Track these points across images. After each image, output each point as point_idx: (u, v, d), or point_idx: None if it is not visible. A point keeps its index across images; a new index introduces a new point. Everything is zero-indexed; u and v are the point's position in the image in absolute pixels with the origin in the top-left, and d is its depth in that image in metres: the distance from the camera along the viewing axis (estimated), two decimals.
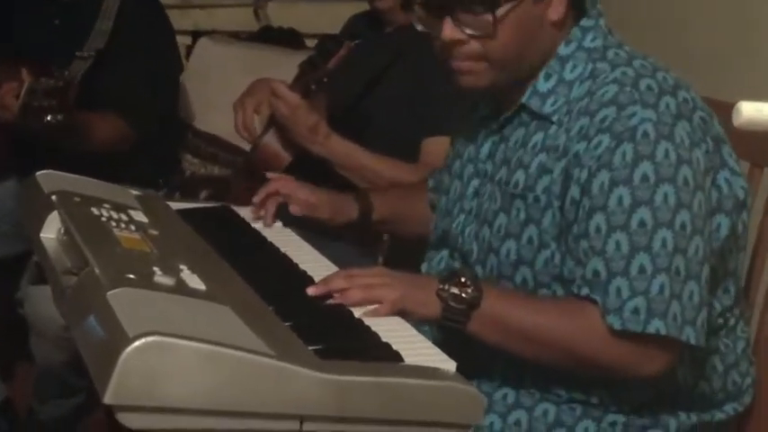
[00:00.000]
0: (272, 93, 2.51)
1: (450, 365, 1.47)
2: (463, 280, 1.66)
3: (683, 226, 1.61)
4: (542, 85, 1.76)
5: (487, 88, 1.81)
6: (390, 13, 2.71)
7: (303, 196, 2.12)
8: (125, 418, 1.24)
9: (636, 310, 1.59)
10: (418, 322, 1.65)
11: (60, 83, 2.60)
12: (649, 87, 1.66)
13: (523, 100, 1.77)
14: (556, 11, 1.73)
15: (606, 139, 1.63)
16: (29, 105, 2.61)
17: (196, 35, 3.89)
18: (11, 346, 3.17)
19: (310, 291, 1.65)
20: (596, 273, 1.62)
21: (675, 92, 1.67)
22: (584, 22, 1.77)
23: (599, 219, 1.62)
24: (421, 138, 2.57)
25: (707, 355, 1.77)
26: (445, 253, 1.94)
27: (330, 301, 1.63)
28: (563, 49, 1.76)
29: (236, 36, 4.00)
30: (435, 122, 2.54)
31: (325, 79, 2.48)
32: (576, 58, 1.75)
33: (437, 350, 1.52)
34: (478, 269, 1.82)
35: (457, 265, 1.90)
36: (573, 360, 1.66)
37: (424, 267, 1.98)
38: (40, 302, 2.67)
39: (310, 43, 3.89)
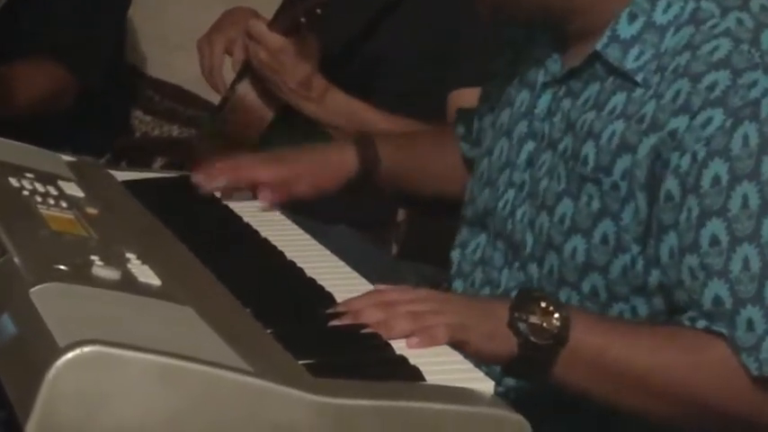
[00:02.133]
0: (248, 33, 2.52)
1: (487, 385, 1.46)
2: (545, 305, 1.60)
3: None
4: (625, 28, 1.74)
5: (513, 22, 1.87)
6: None
7: (267, 176, 2.07)
8: None
9: None
10: (483, 363, 1.59)
11: None
12: None
13: (598, 47, 1.75)
14: None
15: (719, 116, 1.61)
16: None
17: None
18: None
19: (338, 324, 1.57)
20: (718, 300, 1.60)
21: None
22: None
23: (716, 226, 1.60)
24: (447, 89, 2.57)
25: None
26: (483, 238, 1.93)
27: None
28: None
29: None
30: (466, 69, 2.54)
31: (319, 10, 2.48)
32: None
33: (470, 366, 1.52)
34: (533, 269, 1.82)
35: (503, 259, 1.88)
36: (701, 412, 1.63)
37: (455, 254, 1.97)
38: None
39: None
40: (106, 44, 3.19)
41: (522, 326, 1.59)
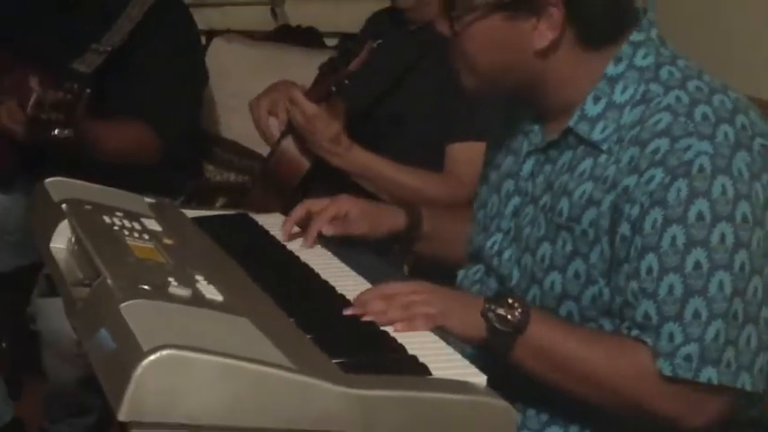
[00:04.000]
0: (289, 99, 2.52)
1: (480, 379, 1.47)
2: (511, 302, 1.63)
3: (741, 267, 1.58)
4: (591, 108, 1.72)
5: (475, 94, 1.84)
6: (413, 10, 2.72)
7: (334, 210, 2.03)
8: None
9: (688, 357, 1.57)
10: (458, 342, 1.63)
11: (69, 96, 2.57)
12: (705, 116, 1.62)
13: (571, 124, 1.74)
14: (541, 39, 1.70)
15: (659, 174, 1.60)
16: (36, 118, 2.58)
17: (210, 35, 3.91)
18: (22, 362, 3.20)
19: (347, 312, 1.63)
20: (647, 316, 1.60)
21: (733, 118, 1.63)
22: (635, 36, 1.73)
23: (651, 259, 1.60)
24: (445, 143, 2.57)
25: None
26: (482, 266, 1.92)
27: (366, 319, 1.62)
28: (612, 69, 1.72)
29: (251, 36, 4.00)
30: (462, 127, 2.54)
31: (347, 82, 2.49)
32: (626, 78, 1.71)
33: (467, 363, 1.52)
34: None
35: (492, 282, 1.88)
36: (618, 402, 1.63)
37: (460, 276, 1.97)
38: (51, 316, 2.68)
39: (330, 42, 3.90)
40: (187, 111, 3.16)
41: (491, 315, 1.62)
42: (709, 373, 1.57)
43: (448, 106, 2.57)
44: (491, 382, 1.47)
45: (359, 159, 2.54)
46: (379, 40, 2.60)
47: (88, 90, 2.66)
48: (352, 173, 2.55)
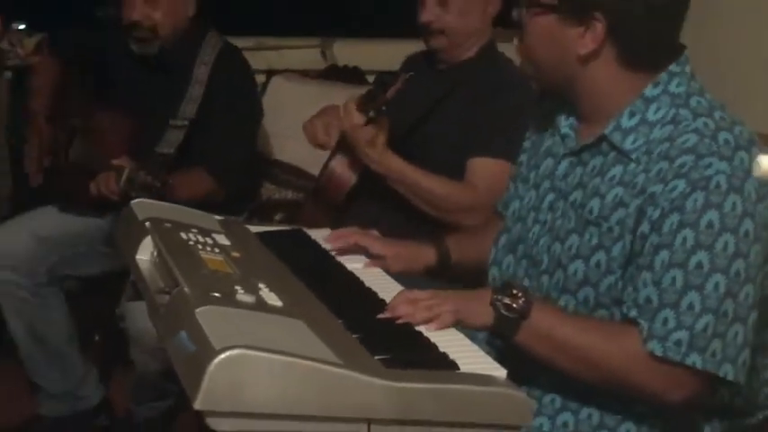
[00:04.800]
0: (344, 107, 2.53)
1: (501, 372, 1.47)
2: (515, 291, 1.65)
3: (737, 273, 1.58)
4: (626, 121, 1.72)
5: (532, 79, 1.84)
6: (443, 51, 2.72)
7: (377, 251, 2.03)
8: (213, 423, 1.26)
9: (678, 342, 1.58)
10: (473, 331, 1.65)
11: (157, 184, 2.60)
12: (727, 141, 1.62)
13: (606, 132, 1.73)
14: (585, 46, 1.69)
15: (682, 185, 1.60)
16: (127, 192, 2.61)
17: (270, 74, 3.92)
18: (113, 354, 3.22)
19: (382, 317, 1.64)
20: (649, 300, 1.61)
21: (750, 147, 1.64)
22: (673, 67, 1.71)
23: (663, 255, 1.60)
24: (466, 158, 2.58)
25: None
26: (512, 258, 1.91)
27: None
28: (649, 91, 1.71)
29: (305, 74, 4.02)
30: (481, 145, 2.55)
31: (384, 108, 2.49)
32: (660, 101, 1.70)
33: (489, 359, 1.52)
34: (545, 279, 1.80)
35: (524, 272, 1.87)
36: (608, 378, 1.64)
37: (493, 271, 1.95)
38: (137, 317, 2.69)
39: (371, 79, 3.92)
40: (244, 154, 3.11)
41: (498, 304, 1.65)
42: (694, 359, 1.58)
43: (468, 132, 2.57)
44: (511, 375, 1.47)
45: (394, 165, 2.53)
46: (411, 73, 2.60)
47: (171, 181, 2.67)
48: (388, 178, 2.54)
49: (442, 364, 1.49)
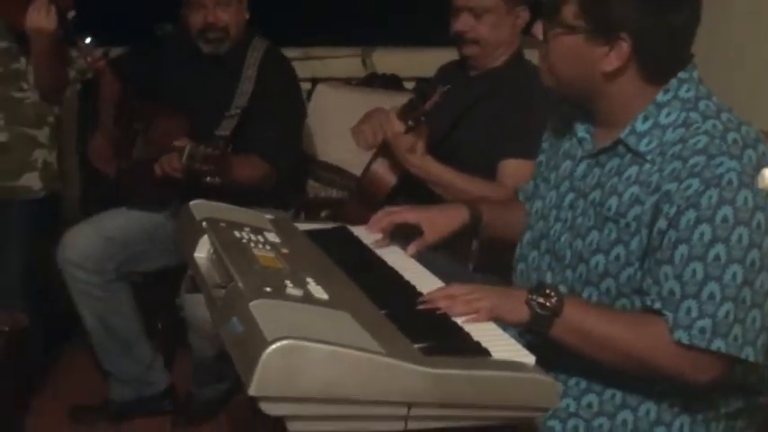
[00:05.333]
0: (385, 118, 2.54)
1: (530, 359, 1.48)
2: (548, 291, 1.64)
3: (752, 263, 1.58)
4: (640, 125, 1.71)
5: (553, 91, 1.80)
6: (475, 59, 2.72)
7: (413, 219, 2.03)
8: (266, 407, 1.27)
9: (702, 330, 1.58)
10: (508, 327, 1.65)
11: (217, 152, 2.61)
12: (735, 140, 1.62)
13: (622, 136, 1.72)
14: (610, 63, 1.68)
15: (696, 183, 1.60)
16: (190, 167, 2.62)
17: (315, 81, 3.94)
18: (174, 340, 3.25)
19: (422, 308, 1.63)
20: (672, 292, 1.60)
21: (756, 145, 1.63)
22: (682, 74, 1.71)
23: (683, 249, 1.60)
24: (498, 160, 2.57)
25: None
26: (536, 253, 1.90)
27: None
28: (661, 97, 1.71)
29: (347, 82, 4.03)
30: (511, 148, 2.55)
31: (423, 118, 2.50)
32: (671, 105, 1.70)
33: (519, 346, 1.52)
34: (569, 273, 1.79)
35: (547, 265, 1.86)
36: (638, 365, 1.64)
37: (520, 266, 1.94)
38: (195, 307, 2.71)
39: (408, 85, 3.92)
40: (294, 144, 3.15)
41: (533, 303, 1.64)
42: (719, 344, 1.58)
43: (497, 136, 2.57)
44: (539, 361, 1.48)
45: (432, 168, 2.54)
46: (449, 86, 2.60)
47: (231, 147, 2.69)
48: (427, 180, 2.55)
49: (476, 352, 1.48)
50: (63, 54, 3.01)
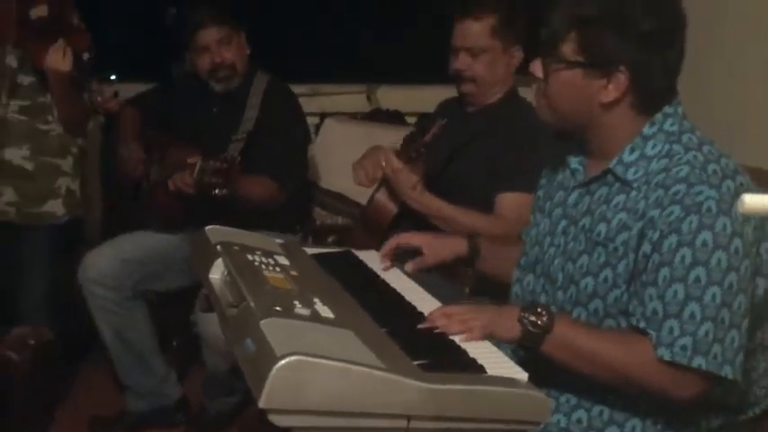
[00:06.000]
0: (384, 157, 2.55)
1: (523, 376, 1.48)
2: (539, 310, 1.64)
3: (730, 285, 1.58)
4: (627, 156, 1.72)
5: (550, 125, 1.80)
6: (472, 96, 2.73)
7: (416, 242, 2.05)
8: (275, 419, 1.27)
9: (684, 347, 1.57)
10: (501, 343, 1.65)
11: (225, 165, 2.63)
12: (715, 171, 1.62)
13: (610, 166, 1.73)
14: (607, 95, 1.69)
15: (677, 210, 1.60)
16: (201, 181, 2.66)
17: (323, 116, 3.95)
18: (188, 356, 3.25)
19: (421, 327, 1.64)
20: (655, 312, 1.60)
21: (735, 176, 1.63)
22: (667, 109, 1.72)
23: (665, 271, 1.60)
24: (495, 193, 2.57)
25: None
26: (531, 277, 1.90)
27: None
28: (647, 130, 1.71)
29: (353, 116, 4.04)
30: (507, 181, 2.54)
31: (423, 150, 2.51)
32: (656, 138, 1.70)
33: (513, 363, 1.53)
34: (560, 294, 1.79)
35: (541, 288, 1.87)
36: (624, 381, 1.63)
37: (516, 288, 1.94)
38: (209, 325, 2.71)
39: (410, 120, 3.93)
40: (301, 167, 3.19)
41: (525, 321, 1.64)
42: (699, 361, 1.57)
43: (494, 169, 2.57)
44: (532, 378, 1.48)
45: (432, 203, 2.54)
46: (446, 119, 2.61)
47: (238, 159, 2.72)
48: (427, 214, 2.55)
49: (472, 368, 1.49)
50: (81, 91, 3.04)
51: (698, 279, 1.57)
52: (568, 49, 1.70)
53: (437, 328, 1.63)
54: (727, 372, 1.58)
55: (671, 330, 1.58)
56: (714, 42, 3.06)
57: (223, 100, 3.09)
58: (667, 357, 1.58)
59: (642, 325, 1.62)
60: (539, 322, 1.63)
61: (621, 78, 1.67)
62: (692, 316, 1.57)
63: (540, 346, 1.64)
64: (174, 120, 3.15)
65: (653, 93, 1.71)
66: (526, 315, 1.64)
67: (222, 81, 3.05)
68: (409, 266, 2.02)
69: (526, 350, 1.67)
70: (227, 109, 3.08)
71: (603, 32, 1.66)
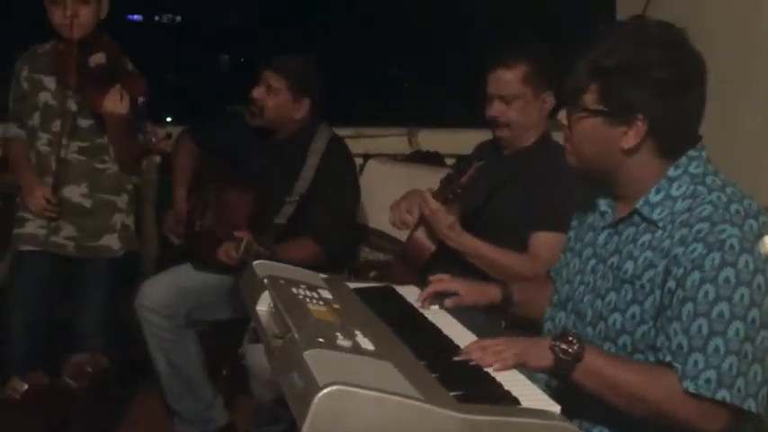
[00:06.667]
0: (422, 199, 2.56)
1: (555, 408, 1.46)
2: (570, 338, 1.64)
3: (753, 320, 1.56)
4: (653, 197, 1.71)
5: (576, 170, 1.80)
6: (507, 140, 2.73)
7: (454, 288, 2.05)
8: None
9: (708, 380, 1.56)
10: (534, 372, 1.64)
11: (267, 253, 2.62)
12: (737, 211, 1.62)
13: (637, 206, 1.73)
14: (628, 141, 1.69)
15: (700, 247, 1.59)
16: (244, 260, 2.64)
17: (366, 157, 3.96)
18: (236, 386, 3.26)
19: (457, 359, 1.64)
20: (680, 346, 1.59)
21: (758, 216, 1.63)
22: (691, 152, 1.71)
23: (689, 306, 1.59)
24: (529, 233, 2.57)
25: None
26: (563, 314, 1.89)
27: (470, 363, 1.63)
28: (672, 172, 1.71)
29: (394, 158, 4.05)
30: (539, 222, 2.54)
31: (459, 191, 2.51)
32: (681, 179, 1.70)
33: (546, 396, 1.52)
34: (589, 330, 1.78)
35: (572, 324, 1.85)
36: (651, 412, 1.61)
37: (548, 325, 1.93)
38: (256, 356, 2.71)
39: (449, 161, 3.93)
40: (345, 228, 3.10)
41: (556, 350, 1.63)
42: (723, 394, 1.55)
43: (528, 210, 2.56)
44: (564, 410, 1.47)
45: (468, 243, 2.54)
46: (483, 161, 2.62)
47: (277, 251, 2.68)
48: (464, 252, 2.55)
49: (507, 400, 1.48)
50: (136, 133, 3.07)
51: (721, 314, 1.56)
52: (590, 98, 1.71)
53: (472, 360, 1.62)
54: (750, 405, 1.56)
55: (696, 364, 1.56)
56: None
57: (282, 148, 3.07)
58: (692, 390, 1.56)
59: (669, 359, 1.60)
60: (570, 350, 1.63)
61: (640, 126, 1.68)
62: (717, 350, 1.55)
63: (572, 374, 1.63)
64: (231, 159, 3.14)
65: (672, 138, 1.70)
66: (557, 343, 1.63)
67: (250, 114, 3.03)
68: (448, 303, 2.02)
69: (558, 378, 1.65)
70: (285, 159, 3.05)
71: (621, 82, 1.67)
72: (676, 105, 1.67)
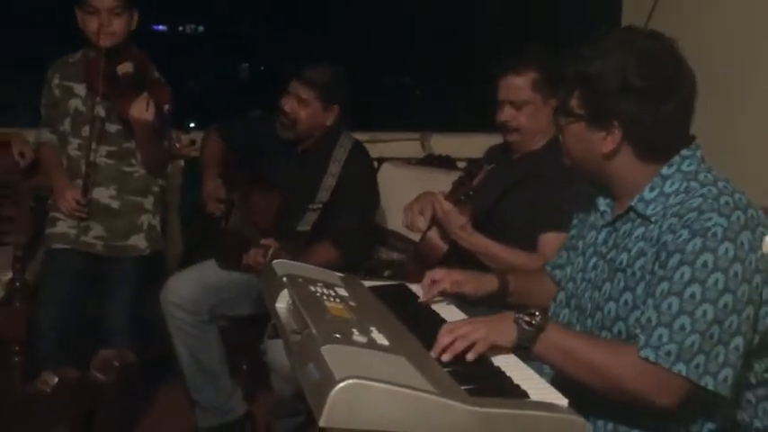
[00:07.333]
0: (435, 200, 2.56)
1: (563, 401, 1.46)
2: (533, 312, 1.66)
3: (725, 305, 1.56)
4: (648, 194, 1.72)
5: (575, 172, 1.82)
6: (517, 144, 2.73)
7: (456, 278, 2.06)
8: None
9: (669, 353, 1.56)
10: (540, 365, 1.64)
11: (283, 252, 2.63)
12: (726, 203, 1.62)
13: (632, 204, 1.74)
14: (606, 146, 1.71)
15: (685, 233, 1.60)
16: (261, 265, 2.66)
17: (380, 161, 3.95)
18: (257, 380, 3.26)
19: (434, 352, 1.63)
20: (649, 320, 1.60)
21: (746, 209, 1.63)
22: (684, 151, 1.72)
23: (664, 285, 1.60)
24: (538, 233, 2.56)
25: (734, 406, 1.70)
26: (567, 311, 1.89)
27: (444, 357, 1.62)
28: (665, 170, 1.72)
29: (407, 161, 4.05)
30: (547, 222, 2.53)
31: (471, 193, 2.51)
32: (674, 177, 1.71)
33: (554, 389, 1.51)
34: (589, 321, 1.78)
35: (575, 320, 1.85)
36: (609, 383, 1.61)
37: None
38: (276, 352, 2.71)
39: (461, 165, 3.92)
40: (363, 233, 3.07)
41: (520, 321, 1.65)
42: (680, 367, 1.56)
43: (537, 211, 2.56)
44: (571, 404, 1.46)
45: (480, 242, 2.54)
46: (493, 165, 2.61)
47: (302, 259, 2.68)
48: (475, 252, 2.55)
49: (516, 393, 1.48)
50: (161, 138, 3.08)
51: (693, 295, 1.56)
52: (575, 103, 1.74)
53: (447, 348, 1.62)
54: (707, 382, 1.56)
55: (660, 337, 1.57)
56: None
57: (305, 155, 3.06)
58: (652, 358, 1.56)
59: (637, 331, 1.61)
60: (532, 322, 1.64)
61: (616, 132, 1.70)
62: (682, 327, 1.56)
63: (534, 346, 1.63)
64: (257, 159, 3.12)
65: (651, 143, 1.72)
66: (521, 316, 1.65)
67: (281, 126, 3.02)
68: (449, 287, 2.03)
69: (522, 349, 1.65)
70: (309, 166, 3.04)
71: (600, 89, 1.69)
72: (653, 113, 1.68)
